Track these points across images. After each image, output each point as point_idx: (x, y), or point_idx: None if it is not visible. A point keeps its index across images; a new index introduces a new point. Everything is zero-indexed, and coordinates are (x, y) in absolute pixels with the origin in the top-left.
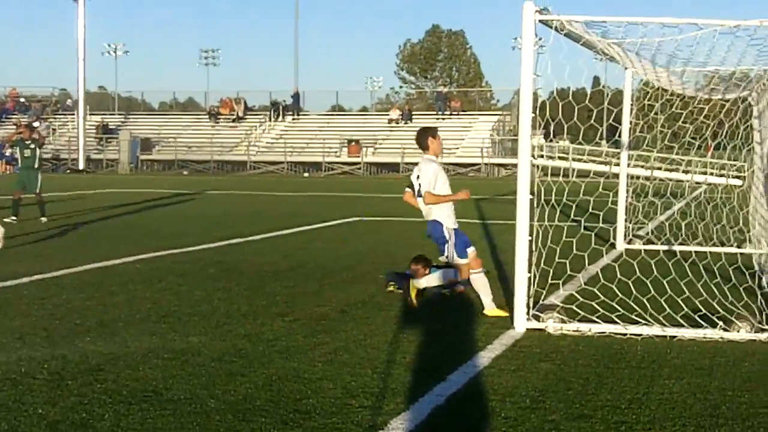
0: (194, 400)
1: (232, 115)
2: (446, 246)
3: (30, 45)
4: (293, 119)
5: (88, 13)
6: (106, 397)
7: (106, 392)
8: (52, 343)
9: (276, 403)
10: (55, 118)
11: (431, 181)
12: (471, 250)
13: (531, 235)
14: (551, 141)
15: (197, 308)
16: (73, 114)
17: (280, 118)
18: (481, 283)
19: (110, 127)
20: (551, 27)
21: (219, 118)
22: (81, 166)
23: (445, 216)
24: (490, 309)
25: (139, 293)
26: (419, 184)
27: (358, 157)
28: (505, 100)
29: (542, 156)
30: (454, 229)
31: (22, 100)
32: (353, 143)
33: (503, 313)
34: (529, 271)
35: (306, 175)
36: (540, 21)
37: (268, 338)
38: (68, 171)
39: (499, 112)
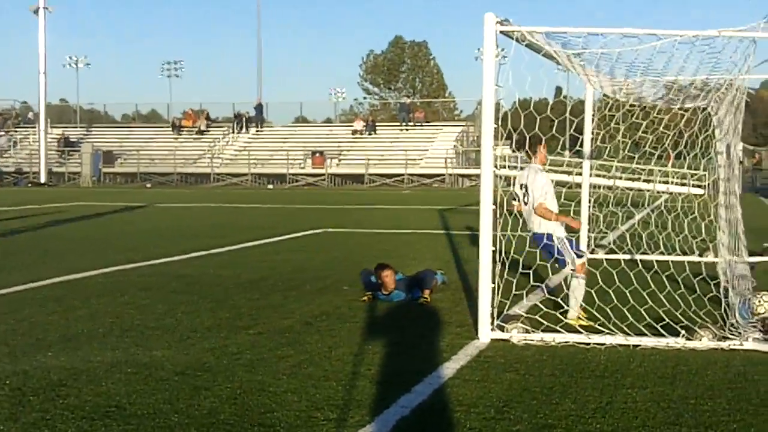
0: (158, 415)
1: (195, 127)
2: (562, 255)
3: None
4: (257, 131)
5: (49, 26)
6: (69, 412)
7: (69, 408)
8: (14, 359)
9: (240, 417)
10: (16, 131)
11: (543, 193)
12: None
13: (495, 245)
14: (518, 151)
15: (161, 322)
16: (35, 127)
17: (244, 130)
18: (579, 290)
19: (72, 140)
20: (512, 38)
21: (182, 130)
22: (43, 179)
23: (556, 226)
24: (574, 316)
25: (101, 307)
26: (525, 194)
27: (323, 168)
28: (468, 110)
29: (505, 166)
30: (565, 237)
31: None
32: (317, 155)
33: (584, 322)
34: (493, 282)
35: (270, 186)
36: (501, 32)
37: (232, 352)
38: (29, 184)
39: (463, 123)
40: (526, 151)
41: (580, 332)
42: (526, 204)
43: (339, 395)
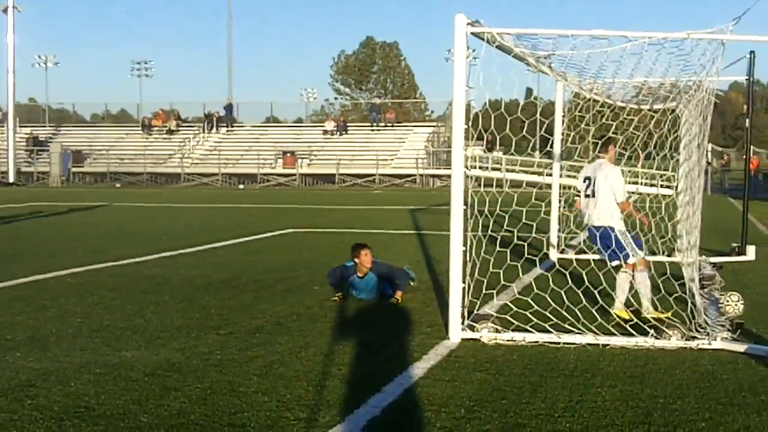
0: (127, 416)
1: (165, 126)
2: (619, 249)
3: None
4: (227, 131)
5: (18, 25)
6: (37, 413)
7: (38, 408)
8: None
9: (210, 418)
10: None
11: (623, 189)
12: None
13: (465, 245)
14: (490, 151)
15: (130, 322)
16: (2, 126)
17: (214, 130)
18: (644, 284)
19: (41, 139)
20: (483, 39)
21: (152, 130)
22: (11, 179)
23: (618, 219)
24: (648, 311)
25: (71, 307)
26: (588, 185)
27: (294, 168)
28: (439, 111)
29: (475, 167)
30: (625, 231)
31: None
32: (288, 155)
33: (662, 315)
34: (464, 282)
35: (241, 187)
36: (472, 33)
37: (202, 352)
38: None
39: (434, 124)
40: (598, 148)
41: (551, 332)
42: (587, 196)
43: (309, 395)
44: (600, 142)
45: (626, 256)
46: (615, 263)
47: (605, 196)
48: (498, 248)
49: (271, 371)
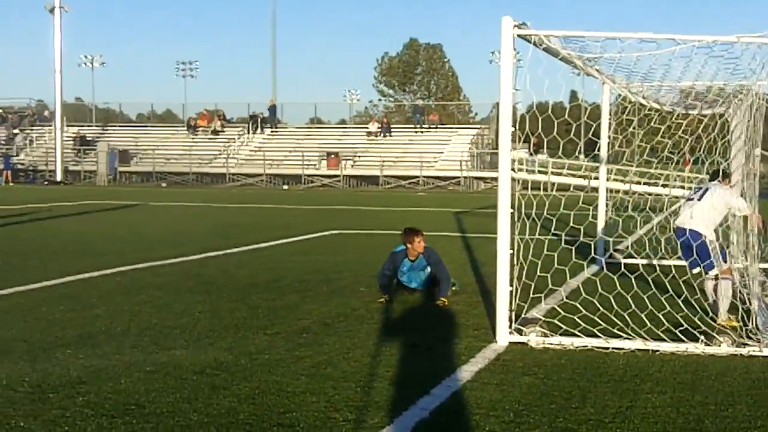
0: (177, 414)
1: (210, 127)
2: (703, 257)
3: (7, 56)
4: (272, 132)
5: (65, 25)
6: (89, 410)
7: (89, 405)
8: (33, 356)
9: (259, 417)
10: (32, 130)
11: (743, 202)
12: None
13: (512, 248)
14: (536, 154)
15: (178, 321)
16: (51, 125)
17: (259, 131)
18: (725, 293)
19: (88, 138)
20: (530, 41)
21: (197, 130)
22: (59, 177)
23: (711, 230)
24: (724, 319)
25: (119, 306)
26: (701, 193)
27: (337, 169)
28: (483, 113)
29: (522, 170)
30: (714, 241)
31: None
32: (332, 156)
33: (734, 324)
34: (511, 285)
35: (285, 187)
36: (518, 36)
37: (250, 351)
38: (46, 182)
39: (478, 126)
40: (711, 176)
41: (599, 336)
42: (690, 200)
43: (358, 396)
44: (715, 172)
45: (709, 266)
46: (695, 270)
47: (710, 205)
48: (545, 252)
49: (318, 372)
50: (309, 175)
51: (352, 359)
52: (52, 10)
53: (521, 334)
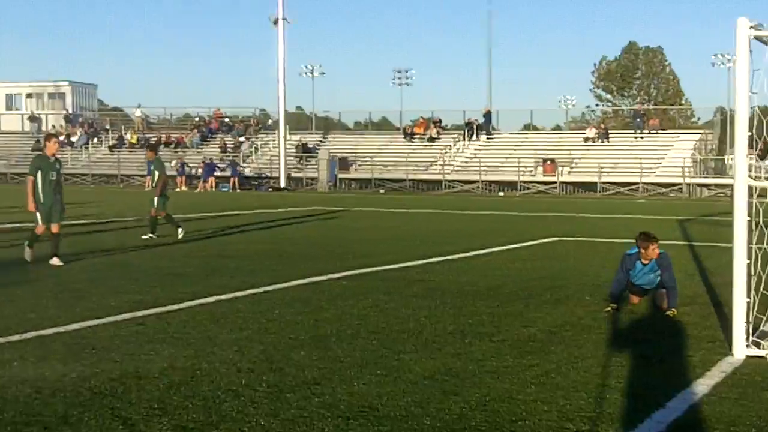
0: (410, 418)
1: (426, 134)
2: None
3: (233, 67)
4: (487, 138)
5: (287, 37)
6: (325, 411)
7: (324, 406)
8: (269, 357)
9: (491, 424)
10: (257, 138)
11: None
12: None
13: (749, 258)
14: (762, 159)
15: (405, 325)
16: (274, 134)
17: (474, 137)
18: None
19: (309, 146)
20: (766, 43)
21: (414, 138)
22: (282, 184)
23: None
24: None
25: (347, 309)
26: None
27: (554, 176)
28: (705, 117)
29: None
30: None
31: (225, 120)
32: (548, 162)
33: None
34: (748, 296)
35: (501, 194)
36: (755, 37)
37: (477, 358)
38: (270, 189)
39: (701, 131)
40: None
41: None
42: None
43: (590, 407)
44: None
45: None
46: None
47: None
48: None
49: (548, 380)
50: (525, 182)
51: (581, 369)
52: (275, 22)
53: (759, 348)
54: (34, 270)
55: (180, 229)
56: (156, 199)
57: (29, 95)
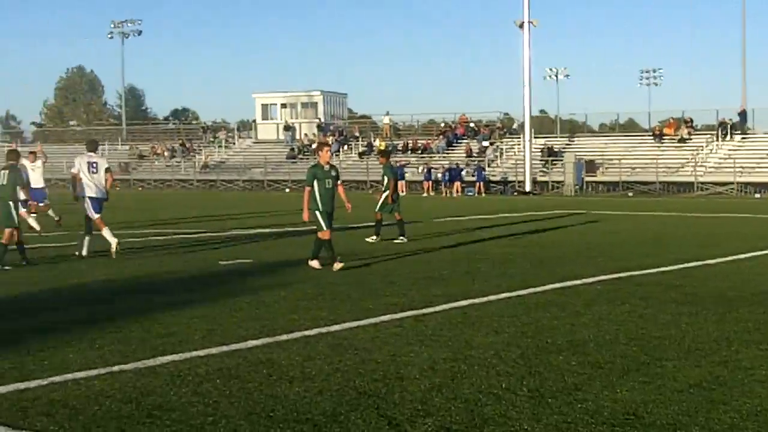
0: (678, 426)
1: (677, 135)
2: None
3: (477, 73)
4: (742, 138)
5: (533, 40)
6: (588, 417)
7: (588, 412)
8: (527, 360)
9: None
10: (501, 142)
11: None
12: None
13: None
14: None
15: (665, 332)
16: (519, 137)
17: (728, 137)
18: None
19: (555, 149)
20: None
21: (663, 139)
22: (527, 188)
23: None
24: None
25: (604, 314)
26: None
27: None
28: None
29: None
30: None
31: (471, 124)
32: None
33: None
34: None
35: (757, 196)
36: None
37: (746, 366)
38: (515, 193)
39: None
40: None
41: None
42: None
43: None
44: None
45: None
46: None
47: None
48: None
49: None
50: None
51: None
52: (521, 25)
53: None
54: (292, 273)
55: (402, 237)
56: (392, 205)
57: (284, 105)
